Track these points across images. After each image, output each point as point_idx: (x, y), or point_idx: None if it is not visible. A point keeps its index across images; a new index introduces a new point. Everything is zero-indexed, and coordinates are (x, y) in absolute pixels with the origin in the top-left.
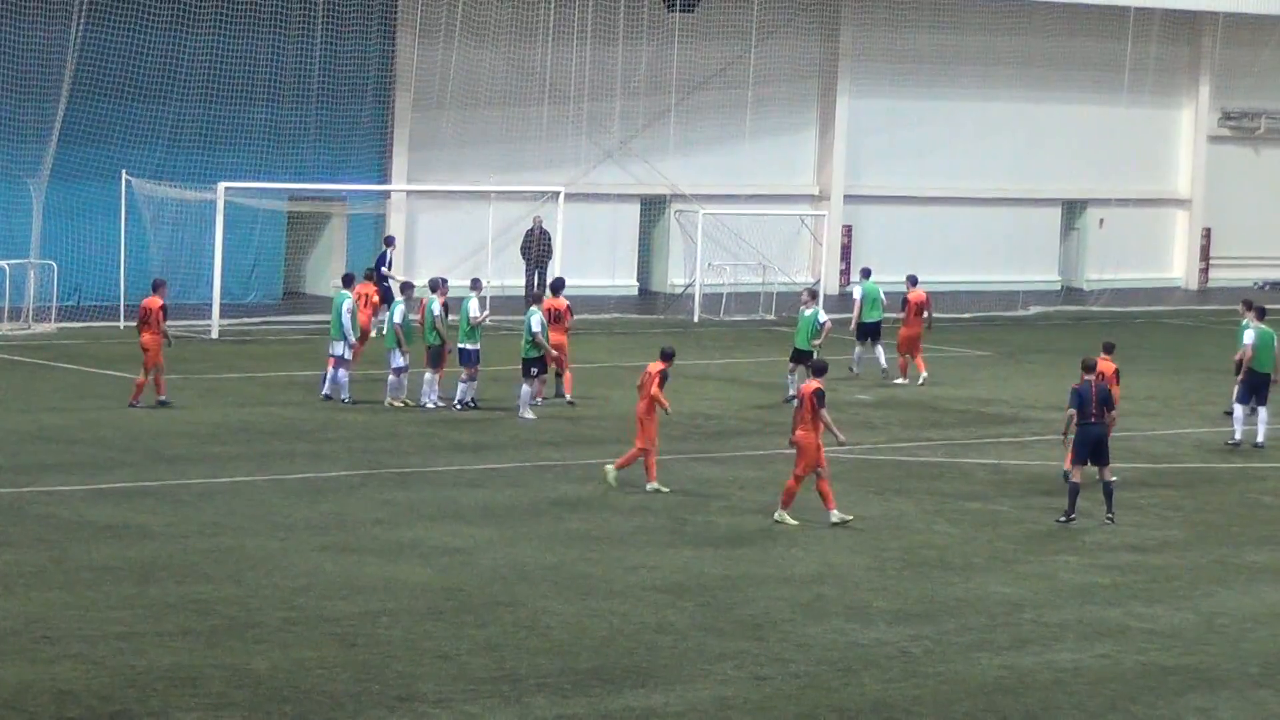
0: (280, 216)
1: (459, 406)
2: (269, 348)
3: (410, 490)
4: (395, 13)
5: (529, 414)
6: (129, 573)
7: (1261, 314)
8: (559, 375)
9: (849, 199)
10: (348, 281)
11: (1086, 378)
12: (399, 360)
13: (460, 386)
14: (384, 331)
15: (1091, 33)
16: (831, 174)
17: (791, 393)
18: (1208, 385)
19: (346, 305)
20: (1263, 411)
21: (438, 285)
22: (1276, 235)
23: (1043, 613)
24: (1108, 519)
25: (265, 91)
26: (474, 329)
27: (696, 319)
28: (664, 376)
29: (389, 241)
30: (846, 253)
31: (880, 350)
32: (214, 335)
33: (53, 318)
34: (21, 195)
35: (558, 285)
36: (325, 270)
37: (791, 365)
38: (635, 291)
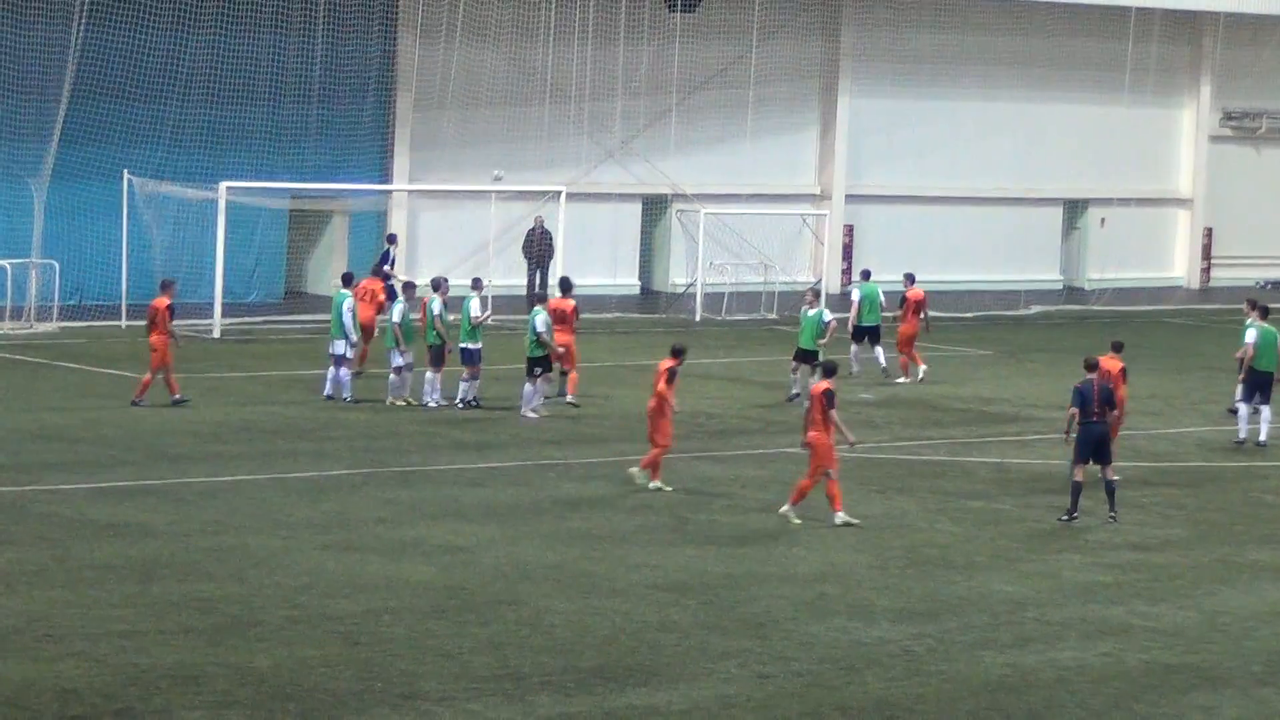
0: (282, 216)
1: (461, 406)
2: (271, 347)
3: (412, 489)
4: (396, 12)
5: (531, 413)
6: (131, 571)
7: (1265, 313)
8: (564, 374)
9: (850, 199)
10: (347, 280)
11: (1089, 376)
12: (399, 359)
13: (462, 386)
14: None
15: (1093, 32)
16: (833, 174)
17: (794, 391)
18: (1209, 384)
19: (347, 304)
20: (1266, 410)
21: (439, 285)
22: (1278, 235)
23: (1046, 611)
24: (1110, 518)
25: (267, 91)
26: (475, 328)
27: (698, 318)
28: (672, 373)
29: (391, 240)
30: (848, 252)
31: (880, 350)
32: (216, 334)
33: (55, 317)
34: (23, 195)
35: (566, 285)
36: (327, 269)
37: (795, 364)
38: (637, 291)
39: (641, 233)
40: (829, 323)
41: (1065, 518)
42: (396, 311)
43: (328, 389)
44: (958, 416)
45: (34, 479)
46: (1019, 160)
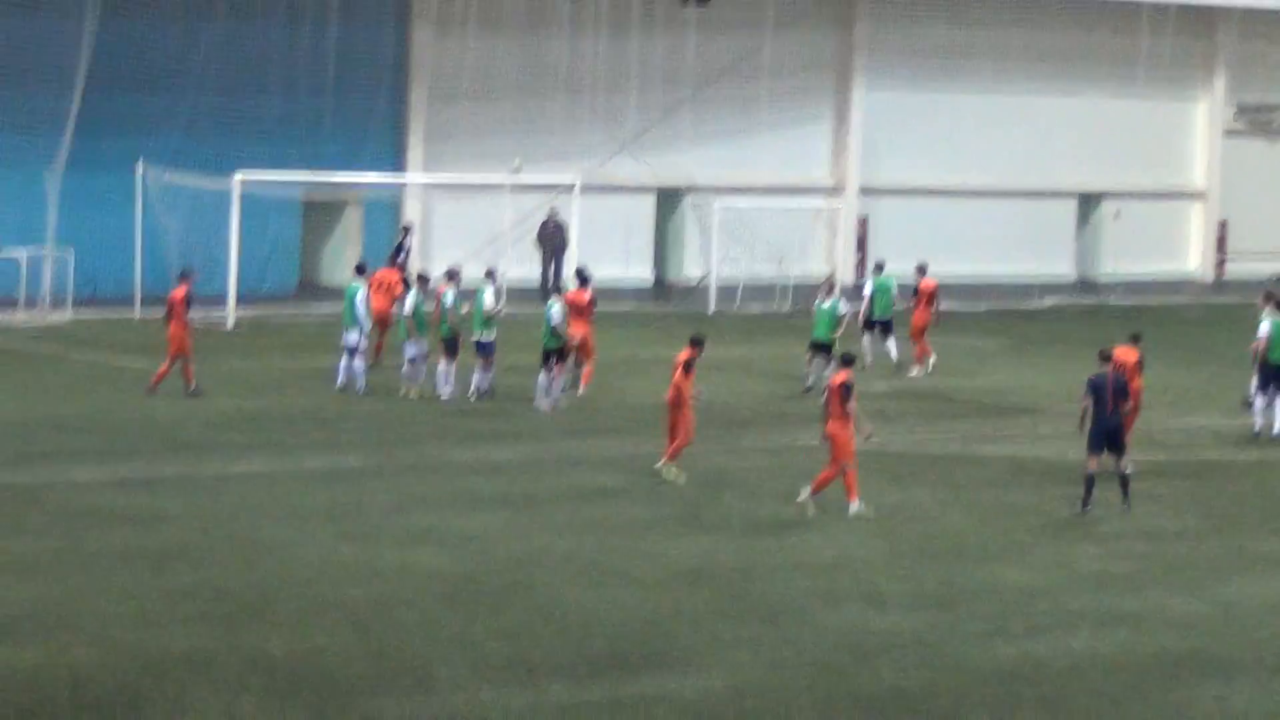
0: (296, 206)
1: (475, 396)
2: (284, 337)
3: (425, 479)
4: (411, 3)
5: (546, 404)
6: (145, 559)
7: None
8: (579, 365)
9: (864, 191)
10: (361, 270)
11: (1103, 368)
12: (411, 350)
13: (475, 376)
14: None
15: (1106, 26)
16: (847, 166)
17: (809, 383)
18: (1224, 377)
19: (360, 294)
20: (1279, 402)
21: (452, 275)
22: None
23: (1058, 601)
24: (1124, 508)
25: (280, 82)
26: (489, 320)
27: (712, 310)
28: (689, 364)
29: (407, 230)
30: (862, 245)
31: (892, 342)
32: (230, 324)
33: (69, 306)
34: (37, 185)
35: (583, 277)
36: (341, 259)
37: (810, 356)
38: (651, 283)
39: (655, 225)
40: (844, 314)
41: (1079, 509)
42: (408, 302)
43: (340, 379)
44: (971, 408)
45: (48, 467)
46: (1033, 153)
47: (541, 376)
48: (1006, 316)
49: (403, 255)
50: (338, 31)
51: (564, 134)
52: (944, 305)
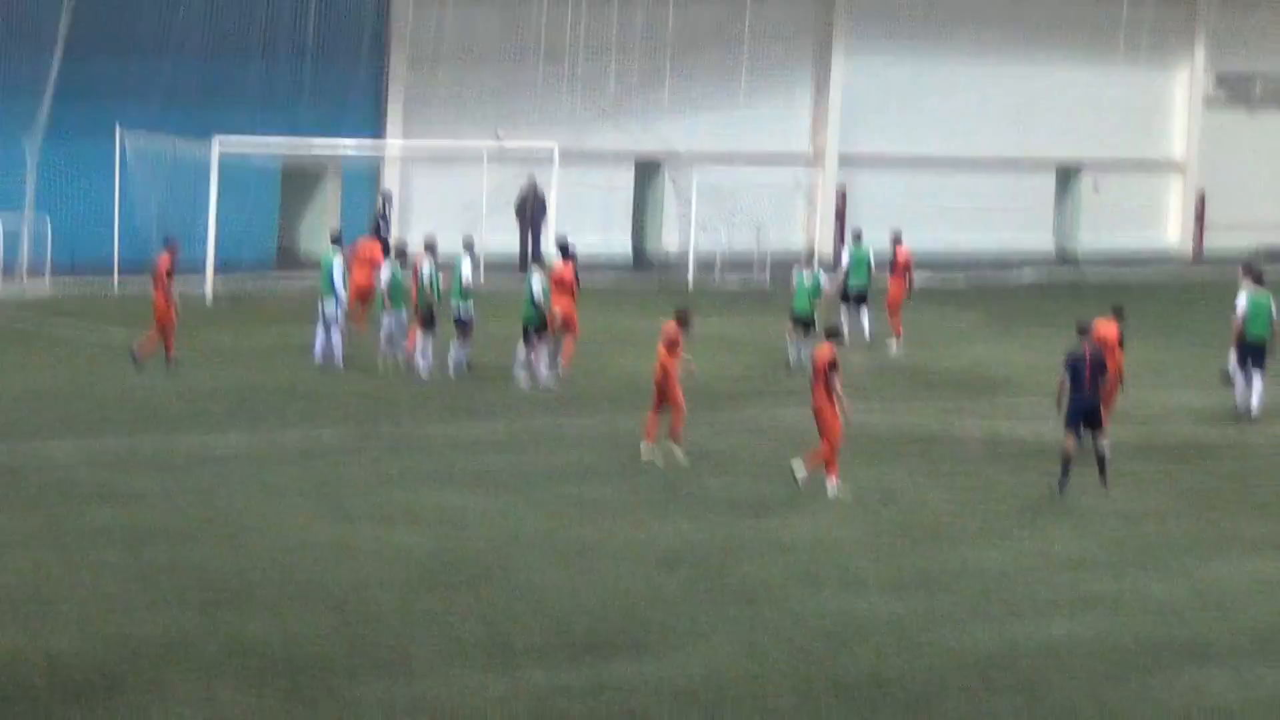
0: (274, 174)
1: (453, 370)
2: (263, 307)
3: (403, 455)
4: None
5: (524, 380)
6: (122, 537)
7: (1258, 278)
8: (557, 340)
9: (844, 161)
10: (337, 240)
11: (1082, 342)
12: (389, 322)
13: (453, 349)
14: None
15: None
16: (826, 136)
17: (792, 359)
18: (1201, 352)
19: (337, 262)
20: (1258, 381)
21: (430, 247)
22: (1271, 200)
23: (1036, 584)
24: (1101, 488)
25: (260, 49)
26: (467, 291)
27: (690, 282)
28: (673, 342)
29: (385, 198)
30: (841, 215)
31: (866, 317)
32: (208, 296)
33: (47, 274)
34: (15, 151)
35: (565, 249)
36: (319, 229)
37: (792, 330)
38: (629, 253)
39: (634, 194)
40: (825, 287)
41: (1055, 487)
42: (384, 273)
43: (317, 351)
44: (948, 384)
45: (26, 441)
46: (1012, 123)
47: (520, 350)
48: (984, 290)
49: (384, 225)
50: None
51: (543, 101)
52: (921, 278)
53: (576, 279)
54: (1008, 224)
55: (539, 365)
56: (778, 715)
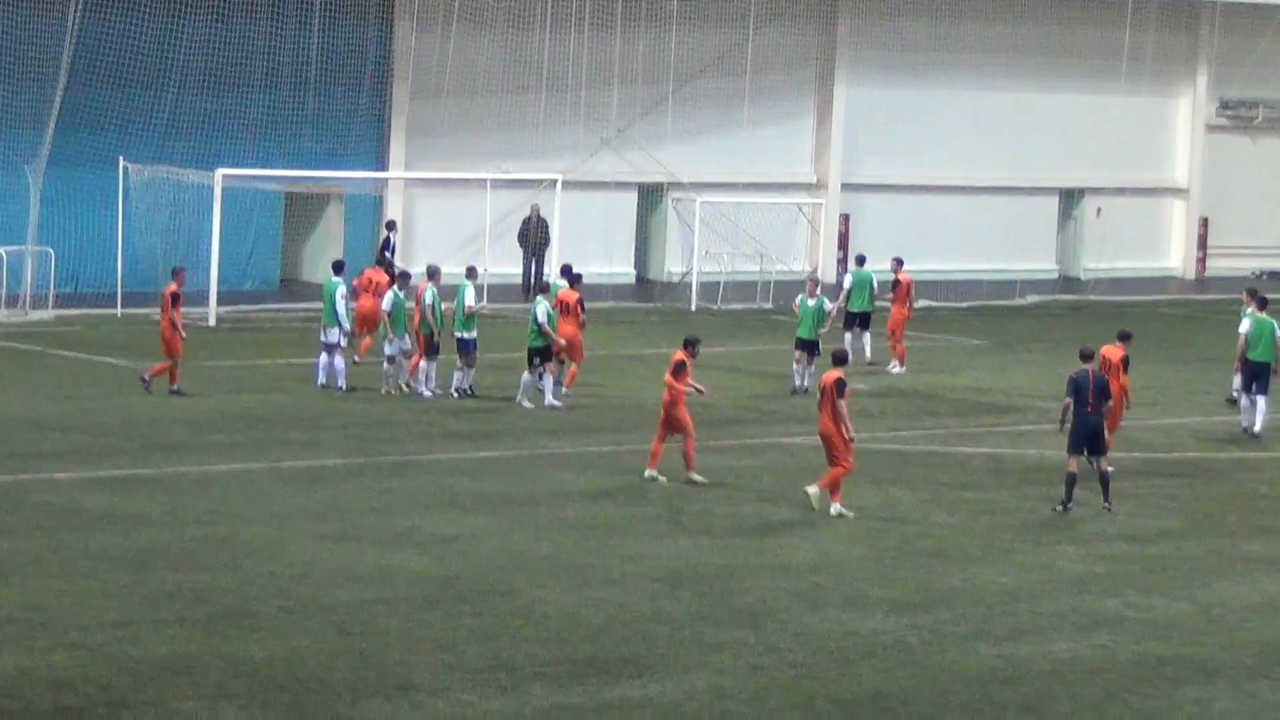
0: (278, 203)
1: (456, 395)
2: (266, 335)
3: (407, 478)
4: (393, 0)
5: (528, 403)
6: (126, 561)
7: (1263, 304)
8: (562, 364)
9: (846, 188)
10: (339, 268)
11: (1084, 366)
12: (390, 348)
13: (457, 375)
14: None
15: (1089, 21)
16: (829, 163)
17: (798, 383)
18: (1205, 375)
19: (339, 292)
20: (1261, 401)
21: (433, 274)
22: (1274, 224)
23: (1039, 603)
24: (1105, 508)
25: (263, 78)
26: (470, 318)
27: (693, 307)
28: (679, 366)
29: (390, 226)
30: (844, 241)
31: (867, 338)
32: (211, 322)
33: (50, 305)
34: (19, 182)
35: (570, 276)
36: (323, 257)
37: (798, 355)
38: (632, 279)
39: (637, 221)
40: (829, 311)
41: (1059, 508)
42: (387, 300)
43: (320, 378)
44: (952, 407)
45: (29, 467)
46: (1015, 149)
47: (526, 375)
48: (988, 314)
49: (389, 253)
50: (321, 28)
51: (546, 130)
52: (926, 302)
53: (581, 304)
54: (1011, 249)
55: (544, 390)
56: None
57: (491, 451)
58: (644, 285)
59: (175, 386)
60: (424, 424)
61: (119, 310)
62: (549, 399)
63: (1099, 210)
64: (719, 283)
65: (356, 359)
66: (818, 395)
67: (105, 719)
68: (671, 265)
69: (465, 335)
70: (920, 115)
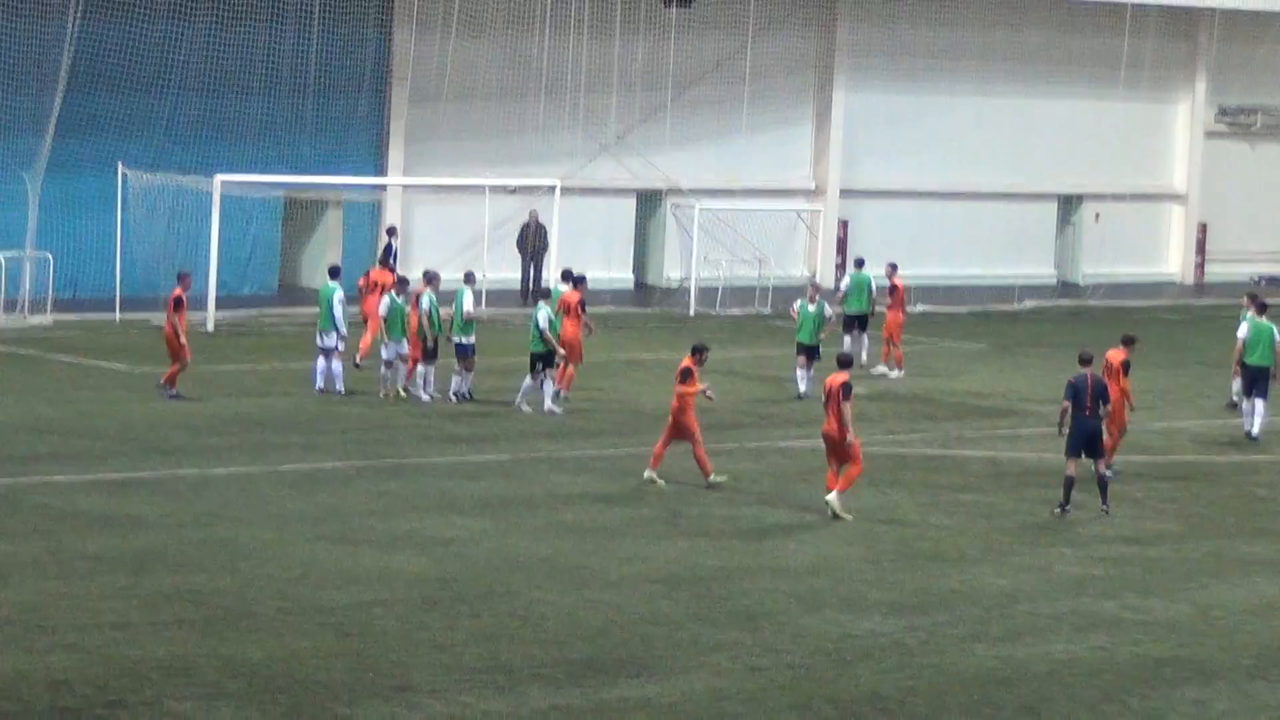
0: (276, 208)
1: (455, 399)
2: (265, 339)
3: (405, 482)
4: (392, 5)
5: (526, 406)
6: (124, 563)
7: (1263, 309)
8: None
9: (845, 194)
10: (335, 273)
11: (1082, 370)
12: (386, 352)
13: (455, 379)
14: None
15: (1088, 27)
16: (828, 168)
17: (801, 389)
18: (1203, 379)
19: (337, 296)
20: (1260, 404)
21: (430, 279)
22: (1272, 230)
23: (1037, 604)
24: (1103, 511)
25: (261, 84)
26: (469, 322)
27: (692, 313)
28: (686, 372)
29: (391, 232)
30: (843, 247)
31: (864, 340)
32: (210, 327)
33: (49, 310)
34: (18, 187)
35: (572, 278)
36: (321, 262)
37: (801, 361)
38: (631, 285)
39: (636, 227)
40: (829, 316)
41: (1057, 511)
42: (383, 305)
43: (319, 382)
44: (951, 410)
45: (27, 471)
46: (1014, 155)
47: (528, 380)
48: (987, 319)
49: (392, 257)
50: (319, 34)
51: (545, 136)
52: (925, 307)
53: (583, 306)
54: (1009, 255)
55: (544, 395)
56: None
57: (489, 455)
58: (643, 291)
59: (175, 391)
60: (422, 427)
61: (117, 315)
62: (548, 404)
63: (1097, 215)
64: (718, 288)
65: (358, 359)
66: (823, 398)
67: (103, 719)
68: (670, 271)
69: (464, 340)
70: (919, 121)
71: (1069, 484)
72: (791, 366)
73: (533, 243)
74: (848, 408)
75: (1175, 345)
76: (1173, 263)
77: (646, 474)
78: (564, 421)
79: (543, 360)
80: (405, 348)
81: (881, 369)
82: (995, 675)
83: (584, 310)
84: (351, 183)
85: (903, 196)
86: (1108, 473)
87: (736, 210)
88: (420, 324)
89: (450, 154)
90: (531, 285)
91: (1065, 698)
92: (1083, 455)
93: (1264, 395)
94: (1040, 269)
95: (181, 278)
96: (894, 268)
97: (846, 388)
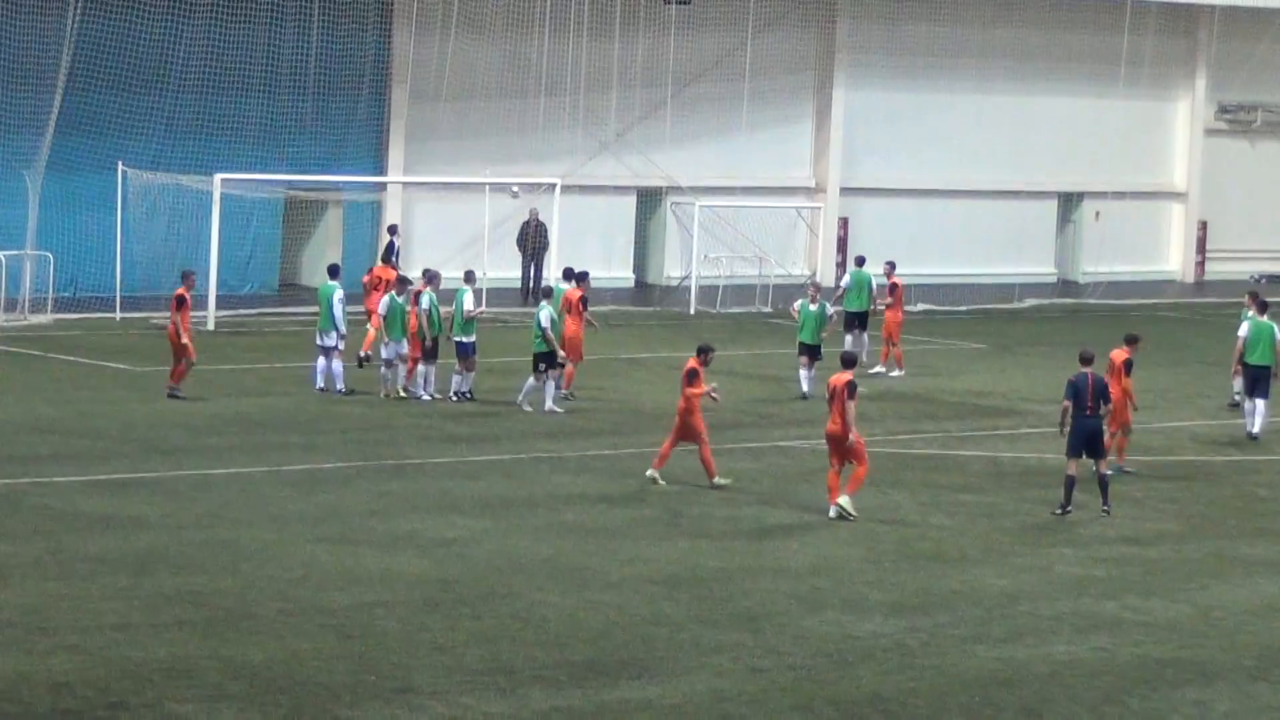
0: (277, 208)
1: (455, 399)
2: (265, 339)
3: (406, 482)
4: (392, 4)
5: (528, 406)
6: (125, 564)
7: (1264, 308)
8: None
9: (845, 191)
10: (334, 272)
11: (1083, 369)
12: (386, 351)
13: (455, 379)
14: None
15: (1088, 25)
16: (828, 166)
17: (804, 389)
18: (1204, 378)
19: (336, 296)
20: (1260, 403)
21: (431, 278)
22: (1272, 228)
23: (1038, 605)
24: (1103, 511)
25: (262, 83)
26: (469, 322)
27: (693, 311)
28: (692, 373)
29: (393, 230)
30: (843, 245)
31: (863, 338)
32: (210, 327)
33: (49, 309)
34: (17, 186)
35: (579, 275)
36: (321, 261)
37: (804, 360)
38: (631, 283)
39: (636, 225)
40: (831, 315)
41: (1058, 511)
42: (382, 304)
43: (319, 381)
44: (951, 410)
45: (27, 471)
46: (1014, 153)
47: (531, 380)
48: (987, 317)
49: (395, 256)
50: (319, 33)
51: (545, 134)
52: (925, 305)
53: (584, 303)
54: (1010, 253)
55: (545, 395)
56: None
57: (490, 455)
58: (643, 289)
59: (175, 390)
60: (423, 428)
61: (118, 314)
62: (548, 404)
63: (1098, 214)
64: (718, 286)
65: (362, 352)
66: (826, 397)
67: None
68: (670, 269)
69: (464, 339)
70: (919, 119)
71: (1069, 484)
72: (793, 366)
73: (533, 242)
74: (852, 407)
75: (1175, 344)
76: (1173, 261)
77: (649, 472)
78: (564, 421)
79: (545, 360)
80: (405, 348)
81: (880, 369)
82: (996, 676)
83: (585, 307)
84: (352, 181)
85: (903, 194)
86: (1109, 472)
87: (737, 208)
88: (419, 324)
89: (450, 153)
90: (532, 284)
91: (1066, 699)
92: (1083, 455)
93: (1265, 395)
94: (1040, 267)
95: (185, 276)
96: (892, 266)
97: (851, 387)
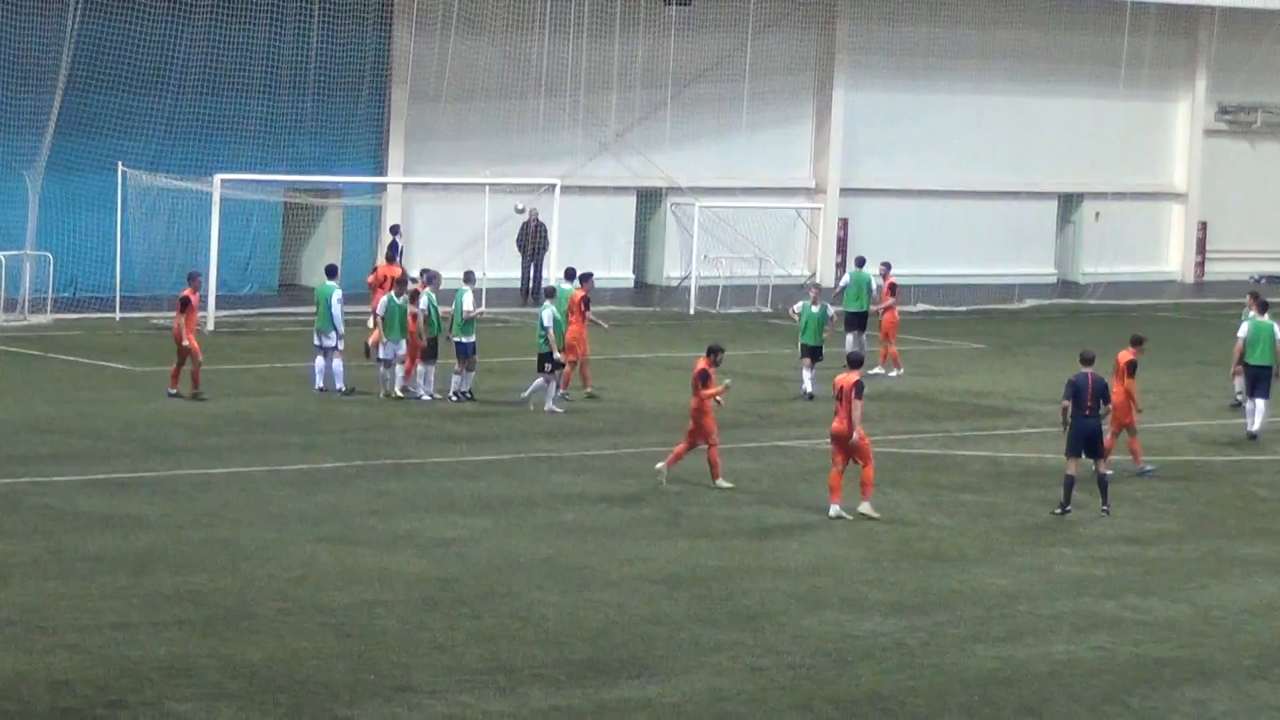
0: (276, 208)
1: (454, 399)
2: (265, 339)
3: (405, 481)
4: (392, 4)
5: (530, 403)
6: (124, 563)
7: (1264, 308)
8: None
9: (845, 192)
10: (332, 273)
11: (1083, 370)
12: (384, 351)
13: (455, 379)
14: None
15: (1088, 26)
16: (828, 167)
17: (807, 389)
18: (1203, 379)
19: (335, 296)
20: (1260, 403)
21: (431, 278)
22: (1272, 228)
23: (1037, 604)
24: (1103, 511)
25: (261, 83)
26: (468, 322)
27: (692, 311)
28: (703, 375)
29: (395, 230)
30: (843, 246)
31: (864, 340)
32: (210, 327)
33: (49, 309)
34: (17, 186)
35: (583, 276)
36: (321, 261)
37: (807, 362)
38: (631, 284)
39: (636, 226)
40: (832, 316)
41: (1058, 511)
42: (381, 304)
43: (318, 381)
44: (951, 410)
45: (27, 471)
46: (1014, 154)
47: (539, 379)
48: (987, 318)
49: (398, 255)
50: (319, 33)
51: (545, 135)
52: (925, 306)
53: (586, 303)
54: (1009, 253)
55: (547, 394)
56: None
57: (490, 455)
58: (643, 290)
59: (174, 390)
60: (422, 427)
61: (117, 314)
62: (549, 404)
63: (1097, 214)
64: (718, 287)
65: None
66: (834, 396)
67: (104, 719)
68: (670, 270)
69: (464, 339)
70: (919, 119)
71: (1069, 484)
72: (794, 367)
73: (533, 242)
74: (859, 406)
75: (1175, 344)
76: (1173, 261)
77: (659, 465)
78: (564, 421)
79: (550, 360)
80: (404, 348)
81: (879, 370)
82: (996, 675)
83: (588, 307)
84: (352, 182)
85: (903, 195)
86: (1108, 472)
87: (736, 209)
88: (418, 323)
89: (450, 153)
90: (532, 285)
91: (1066, 698)
92: (1083, 455)
93: (1265, 395)
94: (1040, 268)
95: (192, 278)
96: (887, 267)
97: (859, 386)
